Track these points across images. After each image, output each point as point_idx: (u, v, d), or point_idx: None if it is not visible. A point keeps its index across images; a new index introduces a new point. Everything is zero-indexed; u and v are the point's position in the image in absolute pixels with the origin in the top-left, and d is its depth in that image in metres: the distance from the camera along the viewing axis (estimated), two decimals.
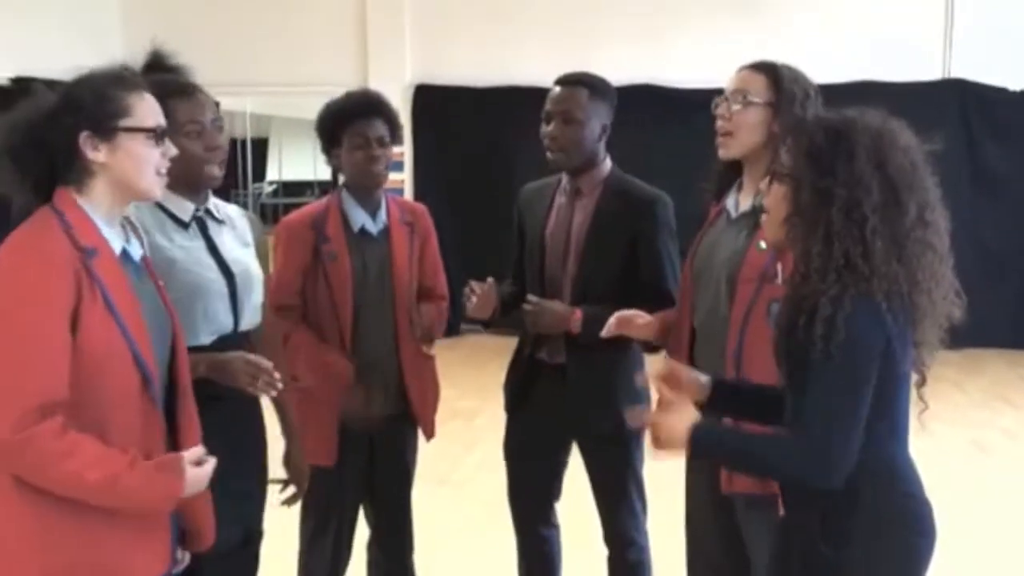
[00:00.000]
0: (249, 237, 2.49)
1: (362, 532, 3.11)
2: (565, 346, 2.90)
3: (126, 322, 1.84)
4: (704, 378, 2.17)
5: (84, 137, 1.86)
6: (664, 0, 8.41)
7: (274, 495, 2.64)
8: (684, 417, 1.94)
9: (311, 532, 2.99)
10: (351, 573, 3.08)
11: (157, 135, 1.92)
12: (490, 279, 2.92)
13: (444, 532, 4.21)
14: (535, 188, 3.09)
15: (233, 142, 2.66)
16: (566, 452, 3.08)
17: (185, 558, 2.06)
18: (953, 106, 8.07)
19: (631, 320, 2.63)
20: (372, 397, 2.91)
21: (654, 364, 2.24)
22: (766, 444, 1.93)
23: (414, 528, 3.13)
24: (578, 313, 2.81)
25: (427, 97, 8.62)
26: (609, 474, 2.98)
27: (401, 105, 8.05)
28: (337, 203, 2.93)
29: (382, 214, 2.95)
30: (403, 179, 8.50)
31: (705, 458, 2.13)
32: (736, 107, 2.47)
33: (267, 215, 16.45)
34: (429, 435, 3.06)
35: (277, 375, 2.25)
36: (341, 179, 3.00)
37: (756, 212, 2.27)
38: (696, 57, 8.03)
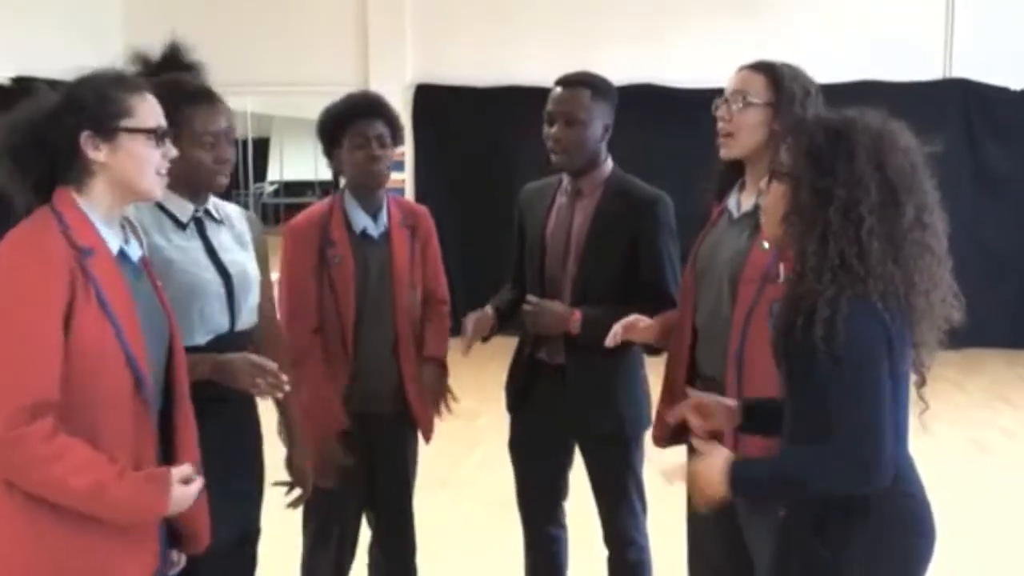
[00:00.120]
0: (248, 238, 2.49)
1: (363, 534, 3.11)
2: (564, 347, 2.89)
3: (120, 322, 1.83)
4: (732, 403, 2.16)
5: (85, 137, 1.86)
6: (664, 0, 8.41)
7: (274, 496, 2.64)
8: (718, 461, 1.92)
9: (314, 535, 2.99)
10: (352, 574, 3.08)
11: (158, 136, 1.92)
12: (488, 308, 2.96)
13: (445, 533, 4.21)
14: (536, 188, 3.09)
15: (234, 142, 2.67)
16: (568, 452, 3.08)
17: (181, 560, 2.06)
18: (954, 106, 8.06)
19: (633, 325, 2.63)
20: (372, 399, 2.91)
21: (690, 399, 2.20)
22: (803, 465, 1.87)
23: (416, 529, 3.13)
24: (577, 314, 2.81)
25: (428, 97, 8.62)
26: (609, 474, 2.98)
27: (402, 105, 8.04)
28: (340, 205, 2.93)
29: (383, 216, 2.95)
30: (404, 179, 8.50)
31: (748, 496, 2.06)
32: (736, 108, 2.46)
33: (268, 215, 16.48)
34: (428, 437, 3.07)
35: (284, 377, 2.24)
36: (342, 182, 3.00)
37: (758, 212, 2.27)
38: (696, 57, 8.03)
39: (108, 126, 1.87)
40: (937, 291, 1.88)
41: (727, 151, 2.52)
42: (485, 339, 2.97)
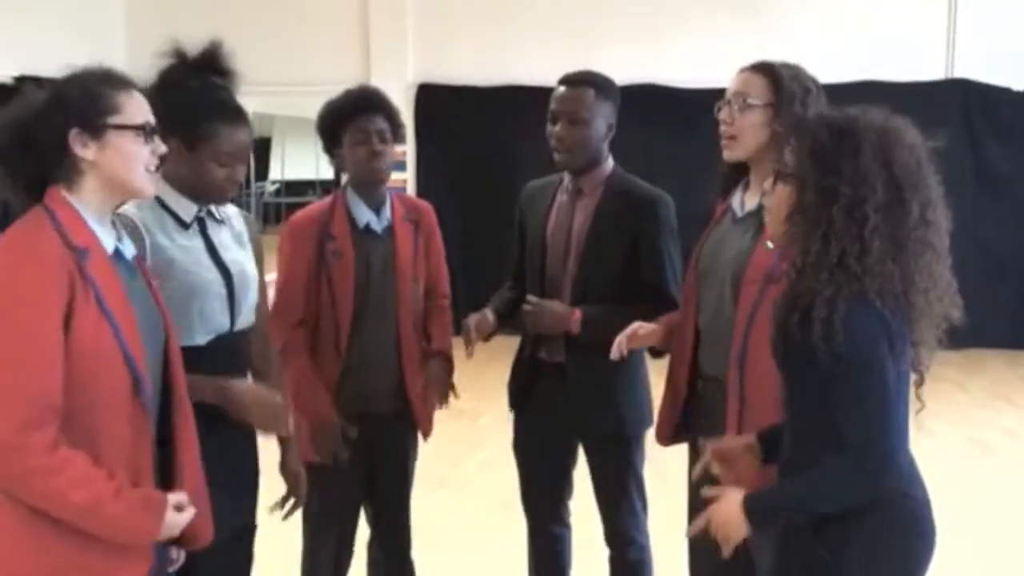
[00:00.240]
0: (246, 237, 2.49)
1: (362, 531, 3.11)
2: (564, 346, 2.90)
3: (118, 322, 1.81)
4: (750, 439, 2.14)
5: (73, 134, 1.84)
6: (664, 0, 8.41)
7: (272, 494, 2.63)
8: (733, 503, 1.91)
9: (313, 532, 2.99)
10: (351, 572, 3.08)
11: (146, 132, 1.90)
12: (487, 311, 2.96)
13: (446, 532, 4.21)
14: (537, 187, 3.09)
15: (248, 161, 2.68)
16: (571, 451, 3.08)
17: (180, 556, 2.06)
18: (956, 106, 8.06)
19: (635, 334, 2.63)
20: (372, 395, 2.91)
21: (708, 451, 2.18)
22: (818, 482, 1.86)
23: (416, 529, 3.13)
24: (577, 313, 2.81)
25: (429, 96, 8.63)
26: (610, 473, 2.98)
27: (403, 104, 8.04)
28: (342, 201, 2.93)
29: (386, 211, 2.95)
30: (405, 178, 8.51)
31: (771, 526, 2.03)
32: (737, 110, 2.46)
33: (270, 214, 16.50)
34: (426, 434, 3.06)
35: (290, 415, 2.27)
36: (344, 179, 3.00)
37: (762, 212, 2.26)
38: (696, 57, 8.03)
39: (96, 123, 1.85)
40: (937, 289, 1.87)
41: (730, 153, 2.51)
42: (486, 339, 2.98)
